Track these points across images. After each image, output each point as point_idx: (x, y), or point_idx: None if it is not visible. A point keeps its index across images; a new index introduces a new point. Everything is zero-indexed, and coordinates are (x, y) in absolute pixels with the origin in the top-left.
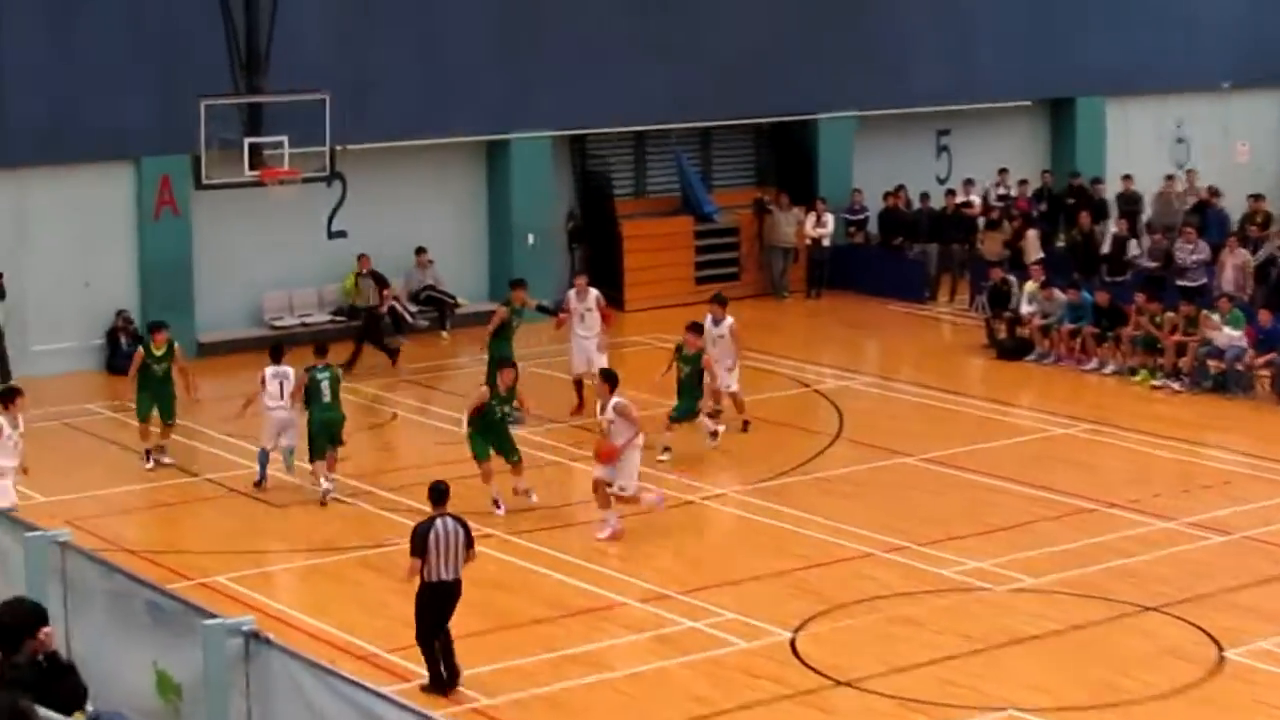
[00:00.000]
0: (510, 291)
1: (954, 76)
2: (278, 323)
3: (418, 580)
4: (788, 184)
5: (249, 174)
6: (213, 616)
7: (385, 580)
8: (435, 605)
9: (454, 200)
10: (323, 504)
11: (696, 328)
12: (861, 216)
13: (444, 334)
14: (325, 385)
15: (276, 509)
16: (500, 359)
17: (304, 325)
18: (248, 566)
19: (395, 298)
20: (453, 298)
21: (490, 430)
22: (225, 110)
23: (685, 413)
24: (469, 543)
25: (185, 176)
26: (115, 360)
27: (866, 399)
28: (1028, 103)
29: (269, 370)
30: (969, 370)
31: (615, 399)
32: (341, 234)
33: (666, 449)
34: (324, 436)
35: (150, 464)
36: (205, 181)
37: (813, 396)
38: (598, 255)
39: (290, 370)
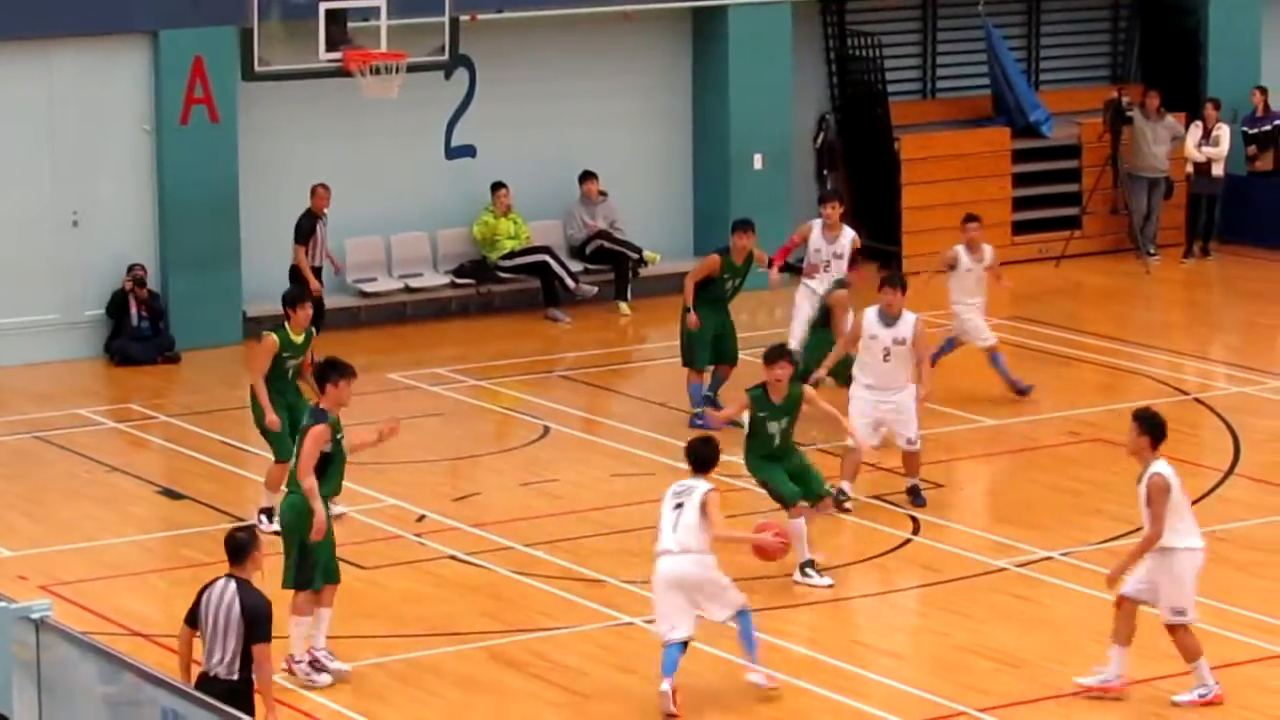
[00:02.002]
0: (731, 236)
1: None
2: (368, 287)
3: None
4: (1159, 78)
5: (326, 57)
6: None
7: (535, 684)
8: None
9: (641, 101)
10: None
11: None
12: (1268, 128)
13: (624, 306)
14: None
15: (364, 572)
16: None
17: (408, 290)
18: None
19: (548, 251)
20: (637, 251)
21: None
22: None
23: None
24: (252, 634)
25: (228, 60)
26: (121, 342)
27: (1279, 414)
28: None
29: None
30: None
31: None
32: (468, 151)
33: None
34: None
35: (272, 525)
36: (259, 68)
37: (1194, 410)
38: (862, 186)
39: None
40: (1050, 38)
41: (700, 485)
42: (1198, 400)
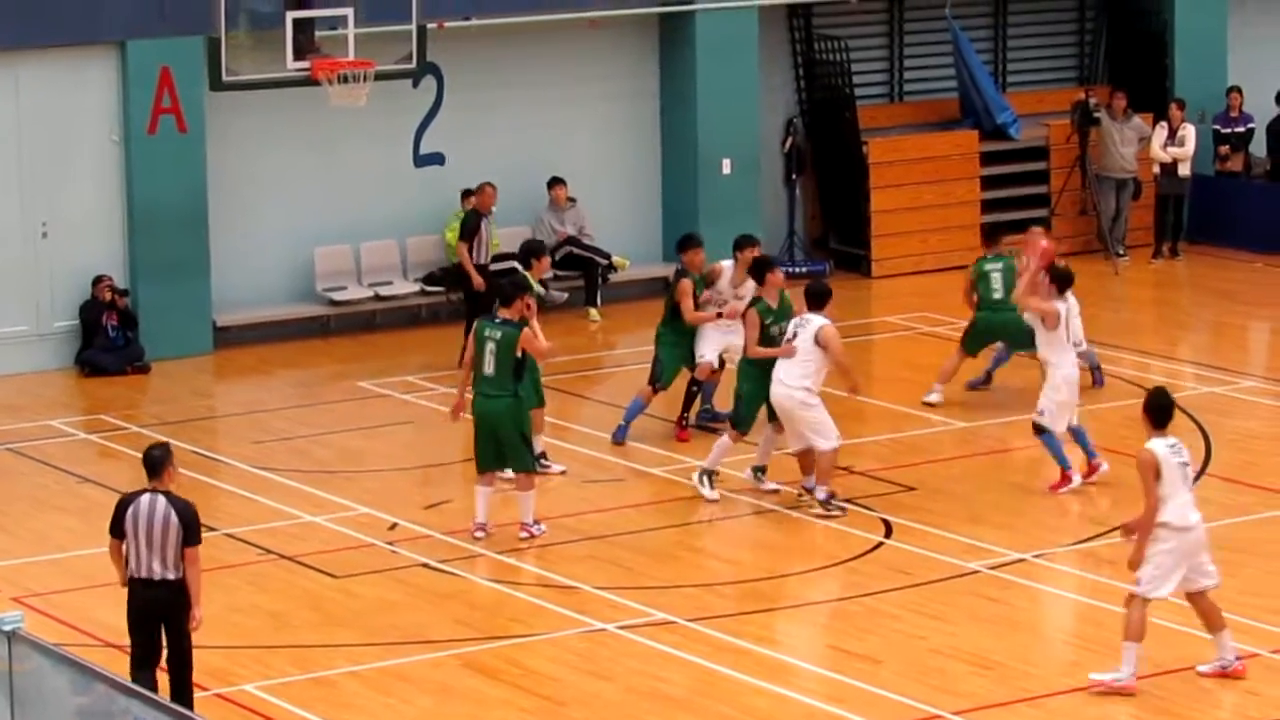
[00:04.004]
0: (683, 256)
1: None
2: (337, 295)
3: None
4: (1126, 79)
5: (294, 66)
6: None
7: (508, 692)
8: (136, 610)
9: (608, 107)
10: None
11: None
12: (1241, 129)
13: (593, 312)
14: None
15: (336, 581)
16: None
17: (378, 299)
18: (291, 669)
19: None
20: (606, 257)
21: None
22: None
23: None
24: (188, 538)
25: (196, 70)
26: (91, 353)
27: (1248, 414)
28: None
29: None
30: None
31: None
32: (436, 158)
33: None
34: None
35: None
36: (227, 78)
37: None
38: (830, 190)
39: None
40: (1017, 39)
41: None
42: None
